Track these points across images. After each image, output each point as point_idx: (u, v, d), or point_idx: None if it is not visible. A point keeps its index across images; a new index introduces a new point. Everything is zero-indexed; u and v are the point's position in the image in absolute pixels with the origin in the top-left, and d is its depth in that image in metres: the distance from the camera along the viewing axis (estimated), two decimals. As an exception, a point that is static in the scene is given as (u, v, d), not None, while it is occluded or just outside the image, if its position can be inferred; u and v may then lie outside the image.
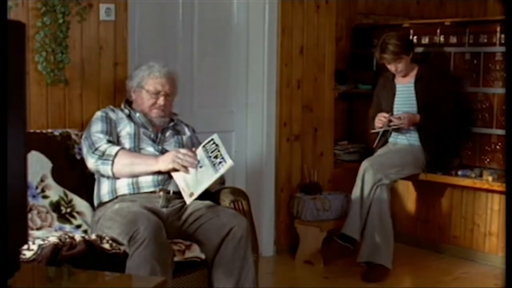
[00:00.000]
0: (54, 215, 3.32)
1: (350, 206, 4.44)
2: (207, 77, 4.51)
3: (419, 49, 4.95)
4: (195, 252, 3.13)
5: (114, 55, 3.88)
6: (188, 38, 4.40)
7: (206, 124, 4.23)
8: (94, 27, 3.80)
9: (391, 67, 4.56)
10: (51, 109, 3.68)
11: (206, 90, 4.52)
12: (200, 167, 3.17)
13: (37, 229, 3.23)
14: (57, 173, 3.37)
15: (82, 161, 3.36)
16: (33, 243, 2.83)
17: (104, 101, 3.80)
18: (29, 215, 3.22)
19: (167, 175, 3.26)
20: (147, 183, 3.26)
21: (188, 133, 3.55)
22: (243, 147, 4.69)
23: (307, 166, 4.86)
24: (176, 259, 3.01)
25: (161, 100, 3.42)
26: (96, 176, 3.35)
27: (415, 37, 5.01)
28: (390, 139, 4.66)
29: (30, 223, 3.21)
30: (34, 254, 2.77)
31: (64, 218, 3.33)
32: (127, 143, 3.33)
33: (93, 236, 2.99)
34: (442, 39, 4.86)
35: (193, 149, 3.28)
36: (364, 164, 4.38)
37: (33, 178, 3.29)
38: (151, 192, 3.25)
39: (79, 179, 3.41)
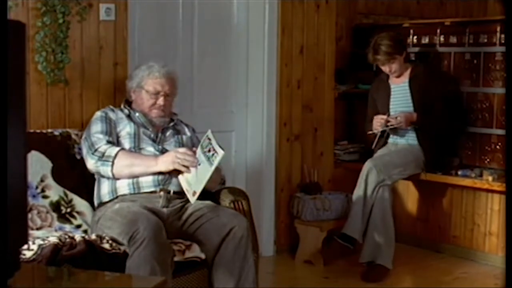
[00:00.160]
0: (54, 215, 3.32)
1: (350, 206, 4.44)
2: (207, 77, 4.51)
3: (415, 49, 4.96)
4: (195, 252, 3.13)
5: (114, 55, 3.88)
6: (188, 38, 4.40)
7: (206, 124, 4.20)
8: (94, 27, 3.80)
9: (385, 68, 4.57)
10: (51, 109, 3.68)
11: (206, 90, 4.52)
12: (199, 165, 3.18)
13: (37, 229, 3.23)
14: (57, 173, 3.37)
15: (82, 161, 3.36)
16: (33, 243, 2.83)
17: (104, 101, 3.80)
18: (29, 215, 3.22)
19: (167, 175, 3.26)
20: (147, 183, 3.26)
21: (188, 133, 3.55)
22: (243, 147, 4.69)
23: (307, 166, 4.86)
24: (176, 259, 3.01)
25: (160, 100, 3.42)
26: (96, 176, 3.35)
27: (415, 37, 5.01)
28: (390, 140, 4.66)
29: (30, 223, 3.21)
30: (34, 254, 2.77)
31: (64, 218, 3.33)
32: (127, 143, 3.33)
33: (93, 236, 3.00)
34: (442, 39, 4.86)
35: (194, 149, 3.28)
36: (368, 164, 4.38)
37: (33, 178, 3.29)
38: (152, 192, 3.25)
39: (79, 179, 3.41)
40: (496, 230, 4.57)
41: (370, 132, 4.58)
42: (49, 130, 3.51)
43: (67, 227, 3.31)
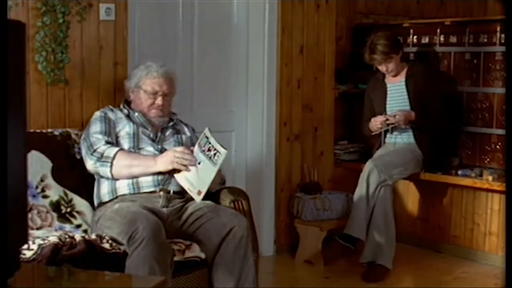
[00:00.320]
0: (54, 214, 3.32)
1: (351, 206, 4.43)
2: (207, 77, 4.51)
3: (415, 49, 4.96)
4: (195, 251, 3.13)
5: (114, 55, 3.88)
6: (188, 38, 4.40)
7: (206, 124, 4.19)
8: (94, 26, 3.80)
9: (382, 68, 4.57)
10: (51, 109, 3.68)
11: (206, 89, 4.52)
12: (199, 163, 3.18)
13: (37, 228, 3.23)
14: (57, 172, 3.37)
15: (82, 161, 3.36)
16: (33, 243, 2.83)
17: (104, 101, 3.80)
18: (29, 215, 3.22)
19: (167, 175, 3.26)
20: (147, 183, 3.26)
21: (188, 133, 3.55)
22: (243, 146, 4.69)
23: (307, 165, 4.86)
24: (176, 258, 3.01)
25: (159, 100, 3.41)
26: (96, 176, 3.34)
27: (415, 37, 5.01)
28: (390, 139, 4.65)
29: (30, 223, 3.21)
30: (34, 254, 2.77)
31: (64, 217, 3.33)
32: (126, 142, 3.33)
33: (93, 236, 3.00)
34: (442, 38, 4.86)
35: (191, 147, 3.28)
36: (369, 165, 4.37)
37: (33, 177, 3.29)
38: (151, 192, 3.25)
39: (79, 179, 3.41)
40: (496, 230, 4.57)
41: (374, 133, 4.58)
42: (49, 130, 3.51)
43: (67, 226, 3.31)
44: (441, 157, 4.68)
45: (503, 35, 4.47)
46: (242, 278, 3.10)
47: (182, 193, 3.28)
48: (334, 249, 4.57)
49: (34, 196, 3.29)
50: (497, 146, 4.59)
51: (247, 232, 3.11)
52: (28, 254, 2.77)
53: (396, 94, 4.62)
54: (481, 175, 4.50)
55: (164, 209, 3.22)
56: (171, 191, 3.26)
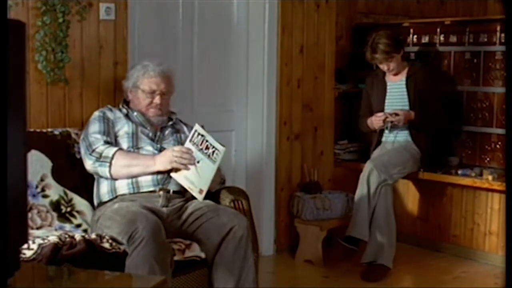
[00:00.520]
0: (54, 214, 3.32)
1: (353, 207, 4.43)
2: (207, 76, 4.51)
3: (415, 49, 4.96)
4: (195, 251, 3.13)
5: (114, 54, 3.88)
6: (188, 38, 4.40)
7: (206, 123, 4.22)
8: (94, 26, 3.80)
9: (383, 66, 4.58)
10: (51, 108, 3.68)
11: (206, 89, 4.52)
12: (198, 162, 3.18)
13: (37, 228, 3.23)
14: (57, 172, 3.37)
15: (82, 161, 3.36)
16: (33, 242, 2.82)
17: (104, 100, 3.80)
18: (29, 214, 3.22)
19: (167, 174, 3.25)
20: (147, 182, 3.26)
21: (187, 132, 3.54)
22: (243, 146, 4.69)
23: (307, 165, 4.86)
24: (176, 258, 3.01)
25: (157, 99, 3.41)
26: (95, 176, 3.34)
27: (415, 37, 5.01)
28: (388, 138, 4.65)
29: (30, 222, 3.21)
30: (34, 253, 2.77)
31: (64, 217, 3.33)
32: (125, 142, 3.33)
33: (93, 235, 2.99)
34: (442, 38, 4.86)
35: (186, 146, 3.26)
36: (368, 165, 4.37)
37: (33, 177, 3.29)
38: (151, 191, 3.25)
39: (79, 178, 3.41)
40: (496, 230, 4.57)
41: (377, 129, 4.58)
42: (49, 130, 3.51)
43: (67, 226, 3.30)
44: (438, 155, 4.68)
45: (503, 35, 4.47)
46: (242, 277, 3.10)
47: (182, 192, 3.28)
48: (337, 251, 4.57)
49: (34, 195, 3.29)
50: (497, 146, 4.59)
51: (247, 232, 3.11)
52: (28, 253, 2.77)
53: (396, 93, 4.62)
54: (481, 174, 4.50)
55: (164, 209, 3.22)
56: (171, 191, 3.26)
